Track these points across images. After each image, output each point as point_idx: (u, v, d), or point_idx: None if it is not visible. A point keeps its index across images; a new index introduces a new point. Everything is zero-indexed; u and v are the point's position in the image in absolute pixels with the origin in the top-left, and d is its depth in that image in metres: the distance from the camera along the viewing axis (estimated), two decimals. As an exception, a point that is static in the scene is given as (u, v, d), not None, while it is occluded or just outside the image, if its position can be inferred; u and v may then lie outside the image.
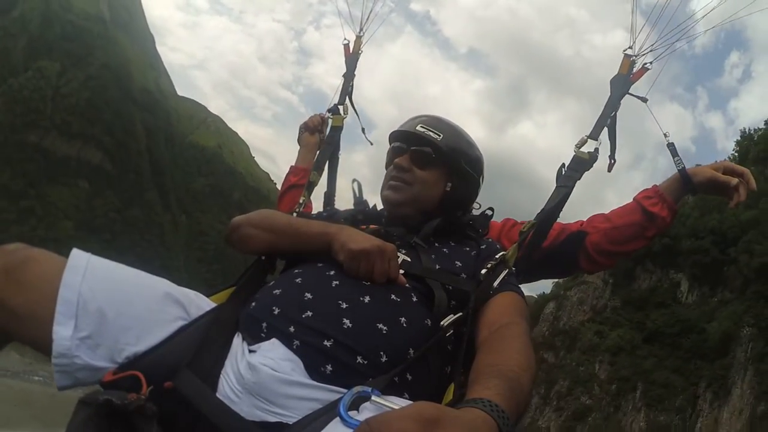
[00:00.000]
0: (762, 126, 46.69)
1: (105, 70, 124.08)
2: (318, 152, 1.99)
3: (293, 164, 2.17)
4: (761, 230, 30.08)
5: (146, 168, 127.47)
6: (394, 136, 1.53)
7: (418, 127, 1.46)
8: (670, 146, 1.62)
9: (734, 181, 1.48)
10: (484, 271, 1.25)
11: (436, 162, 1.44)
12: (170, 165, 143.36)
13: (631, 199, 1.63)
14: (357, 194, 1.63)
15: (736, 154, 44.52)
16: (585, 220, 1.65)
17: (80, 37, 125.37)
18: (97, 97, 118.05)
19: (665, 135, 1.63)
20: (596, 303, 40.60)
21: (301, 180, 2.08)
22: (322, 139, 2.13)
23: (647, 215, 1.55)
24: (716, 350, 30.61)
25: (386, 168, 1.55)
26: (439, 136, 1.45)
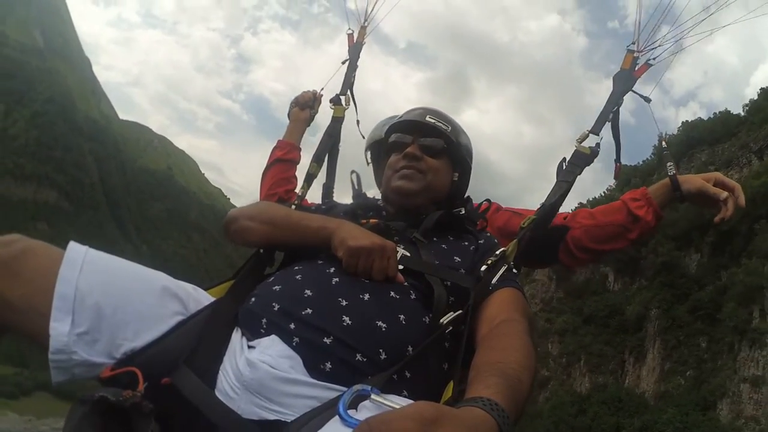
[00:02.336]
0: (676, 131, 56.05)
1: (50, 104, 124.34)
2: (318, 144, 1.91)
3: (280, 138, 2.14)
4: (664, 234, 41.35)
5: (101, 201, 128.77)
6: (398, 127, 1.53)
7: (428, 118, 1.48)
8: (665, 151, 1.69)
9: (724, 194, 1.46)
10: (483, 267, 1.25)
11: (445, 153, 1.48)
12: (124, 194, 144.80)
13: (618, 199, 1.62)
14: (356, 186, 1.64)
15: (654, 156, 54.74)
16: (570, 213, 1.64)
17: (20, 73, 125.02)
18: (46, 134, 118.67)
19: (663, 140, 1.75)
20: (545, 296, 51.34)
21: (286, 155, 2.06)
22: (312, 116, 2.15)
23: (632, 217, 1.55)
24: (634, 326, 41.97)
25: (380, 161, 1.61)
26: (448, 127, 1.48)
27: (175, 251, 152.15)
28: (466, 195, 1.59)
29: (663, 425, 31.16)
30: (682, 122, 58.64)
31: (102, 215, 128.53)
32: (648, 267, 43.56)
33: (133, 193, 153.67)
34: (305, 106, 2.13)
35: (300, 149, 2.11)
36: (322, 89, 2.12)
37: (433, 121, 1.47)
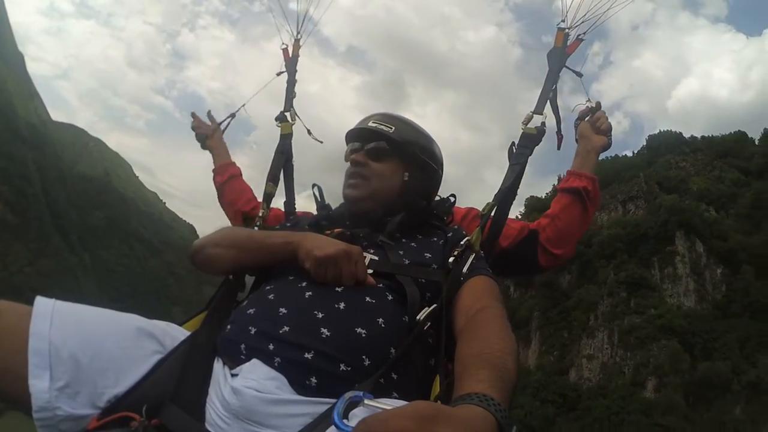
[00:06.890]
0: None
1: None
2: (271, 162, 2.02)
3: (212, 167, 2.30)
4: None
5: (45, 212, 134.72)
6: (349, 137, 1.65)
7: (371, 123, 1.59)
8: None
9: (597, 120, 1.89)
10: (451, 259, 1.34)
11: (391, 154, 1.57)
12: (65, 203, 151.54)
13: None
14: (319, 198, 1.70)
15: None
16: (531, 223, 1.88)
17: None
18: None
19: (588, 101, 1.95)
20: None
21: (224, 175, 2.26)
22: (216, 128, 2.36)
23: (574, 193, 1.79)
24: (523, 324, 66.14)
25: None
26: (391, 128, 1.57)
27: (118, 261, 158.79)
28: (437, 194, 1.69)
29: (534, 383, 56.07)
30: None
31: (47, 227, 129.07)
32: (536, 282, 68.27)
33: (72, 202, 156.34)
34: (208, 131, 2.37)
35: (233, 162, 2.32)
36: (210, 111, 2.38)
37: (374, 125, 1.59)
